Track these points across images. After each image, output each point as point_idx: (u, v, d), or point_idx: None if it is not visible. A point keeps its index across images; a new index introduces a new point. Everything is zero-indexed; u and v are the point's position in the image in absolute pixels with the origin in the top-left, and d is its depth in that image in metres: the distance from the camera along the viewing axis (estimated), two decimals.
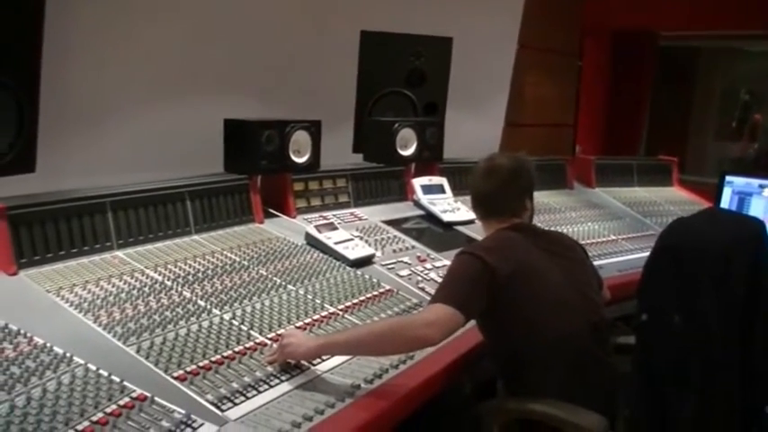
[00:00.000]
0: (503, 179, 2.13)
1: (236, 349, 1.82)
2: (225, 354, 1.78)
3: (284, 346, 1.79)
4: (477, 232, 3.20)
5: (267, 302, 2.11)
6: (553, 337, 1.93)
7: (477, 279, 1.89)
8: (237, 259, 2.34)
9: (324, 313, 2.14)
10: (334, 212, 2.96)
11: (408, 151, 3.34)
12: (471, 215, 3.32)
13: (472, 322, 1.97)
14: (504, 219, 2.13)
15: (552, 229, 2.77)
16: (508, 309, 1.92)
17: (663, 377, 1.66)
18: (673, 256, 1.67)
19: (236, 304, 2.05)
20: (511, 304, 1.92)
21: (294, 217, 2.81)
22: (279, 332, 1.95)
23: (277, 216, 2.77)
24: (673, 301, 1.65)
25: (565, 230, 3.29)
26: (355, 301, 2.26)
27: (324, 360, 1.85)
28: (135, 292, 1.98)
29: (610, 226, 3.61)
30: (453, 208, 3.30)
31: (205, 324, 1.91)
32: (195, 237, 2.43)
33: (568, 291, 2.02)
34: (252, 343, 1.87)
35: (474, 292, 1.87)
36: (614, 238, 3.46)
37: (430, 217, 3.22)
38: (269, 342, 1.89)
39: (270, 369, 1.77)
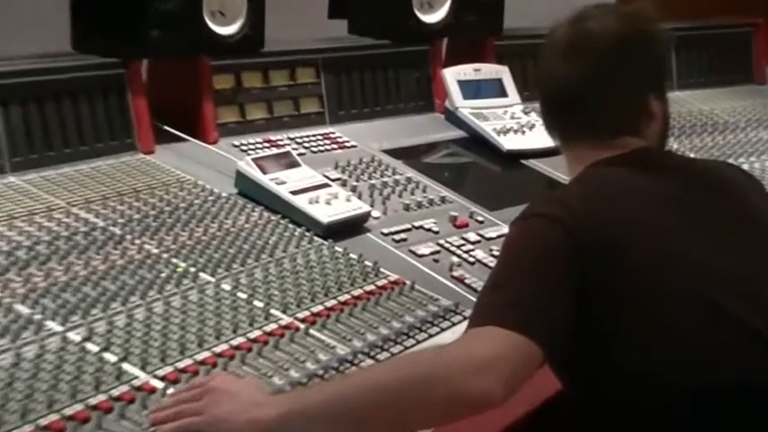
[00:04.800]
0: (600, 59, 2.07)
1: (93, 403, 1.75)
2: (85, 405, 1.73)
3: (208, 405, 1.76)
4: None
5: (158, 309, 2.10)
6: (694, 383, 1.86)
7: (556, 264, 1.84)
8: (100, 224, 2.36)
9: (269, 328, 2.11)
10: (293, 133, 3.00)
11: (436, 15, 3.30)
12: None
13: None
14: (604, 141, 2.08)
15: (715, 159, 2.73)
16: (606, 315, 1.86)
17: None
18: None
19: (94, 313, 2.03)
20: (612, 306, 1.86)
21: (215, 142, 2.86)
22: (180, 367, 1.93)
23: (182, 139, 2.81)
24: None
25: (745, 165, 3.27)
26: (331, 303, 2.26)
27: None
28: None
29: None
30: (520, 125, 3.28)
31: (33, 351, 1.86)
32: (11, 179, 2.44)
33: (733, 288, 1.93)
34: (127, 387, 1.83)
35: (554, 293, 1.81)
36: None
37: (476, 141, 3.25)
38: (161, 385, 1.86)
39: None
